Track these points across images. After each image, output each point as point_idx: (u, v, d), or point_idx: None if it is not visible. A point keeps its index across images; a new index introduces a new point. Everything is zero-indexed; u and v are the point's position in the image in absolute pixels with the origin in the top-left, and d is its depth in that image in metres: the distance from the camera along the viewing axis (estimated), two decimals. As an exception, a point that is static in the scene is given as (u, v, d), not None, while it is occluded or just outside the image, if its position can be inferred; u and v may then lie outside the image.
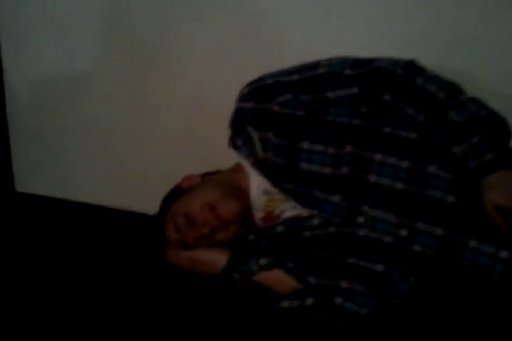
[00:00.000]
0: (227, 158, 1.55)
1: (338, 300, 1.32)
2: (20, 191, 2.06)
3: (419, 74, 1.35)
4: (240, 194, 1.48)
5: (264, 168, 1.44)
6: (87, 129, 2.00)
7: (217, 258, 1.43)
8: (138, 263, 1.55)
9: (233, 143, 1.52)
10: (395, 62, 1.38)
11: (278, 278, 1.39)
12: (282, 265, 1.39)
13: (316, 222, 1.39)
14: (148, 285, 1.48)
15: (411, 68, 1.36)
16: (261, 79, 1.45)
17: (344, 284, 1.33)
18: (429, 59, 1.39)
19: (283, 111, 1.40)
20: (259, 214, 1.50)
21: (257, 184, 1.48)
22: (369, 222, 1.33)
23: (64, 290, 1.46)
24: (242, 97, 1.46)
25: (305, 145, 1.37)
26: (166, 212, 1.51)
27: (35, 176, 2.07)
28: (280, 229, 1.43)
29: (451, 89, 1.34)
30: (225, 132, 1.53)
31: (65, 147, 2.03)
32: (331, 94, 1.38)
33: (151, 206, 1.57)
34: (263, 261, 1.39)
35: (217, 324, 1.34)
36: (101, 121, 1.97)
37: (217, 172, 1.60)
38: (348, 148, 1.34)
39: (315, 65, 1.42)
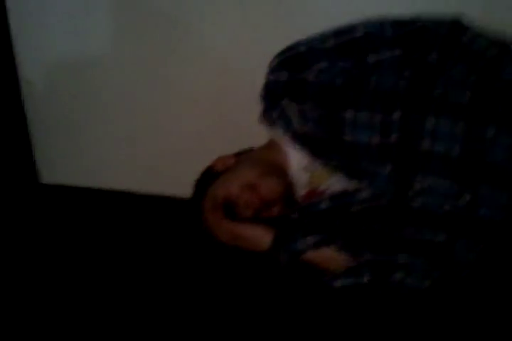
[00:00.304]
0: (257, 135, 1.47)
1: (397, 275, 1.23)
2: (44, 182, 1.99)
3: (464, 32, 1.26)
4: (280, 171, 1.40)
5: (303, 142, 1.36)
6: (108, 113, 1.92)
7: (261, 235, 1.34)
8: (174, 250, 1.50)
9: (266, 119, 1.43)
10: (439, 21, 1.28)
11: (328, 256, 1.30)
12: (332, 242, 1.31)
13: (365, 195, 1.31)
14: (187, 272, 1.43)
15: (456, 27, 1.27)
16: (292, 47, 1.35)
17: (402, 259, 1.24)
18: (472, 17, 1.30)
19: (320, 80, 1.30)
20: (301, 192, 1.42)
21: (296, 160, 1.40)
22: (424, 191, 1.24)
23: (93, 280, 1.41)
24: (274, 69, 1.36)
25: (348, 114, 1.27)
26: (202, 195, 1.42)
27: (59, 166, 2.00)
28: (326, 205, 1.36)
29: (500, 46, 1.25)
30: (254, 108, 1.44)
31: (87, 133, 1.95)
32: (371, 58, 1.28)
33: (180, 189, 1.50)
34: (311, 239, 1.31)
35: (269, 307, 1.30)
36: (122, 104, 1.89)
37: (251, 150, 1.52)
38: (397, 115, 1.24)
39: (351, 29, 1.31)
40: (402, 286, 1.24)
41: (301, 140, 1.36)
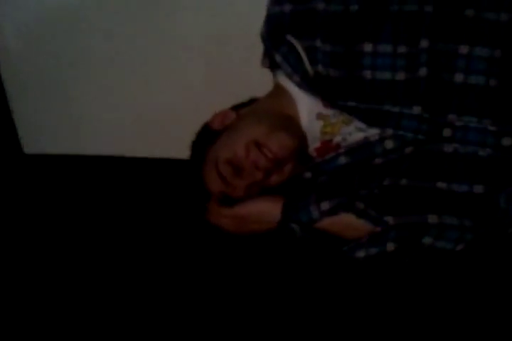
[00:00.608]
0: (259, 84, 1.30)
1: (427, 239, 1.08)
2: (29, 152, 1.80)
3: None
4: (291, 123, 1.21)
5: (315, 85, 1.17)
6: (91, 74, 1.72)
7: (269, 209, 1.17)
8: (176, 219, 1.31)
9: (269, 61, 1.25)
10: None
11: (347, 223, 1.14)
12: (350, 207, 1.13)
13: (390, 144, 1.14)
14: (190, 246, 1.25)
15: None
16: None
17: (432, 219, 1.09)
18: None
19: (331, 9, 1.12)
20: (314, 145, 1.23)
21: (307, 107, 1.22)
22: (458, 134, 1.09)
23: (85, 251, 1.27)
24: (276, 0, 1.18)
25: (367, 47, 1.10)
26: (202, 158, 1.24)
27: (43, 134, 1.81)
28: (343, 159, 1.18)
29: None
30: (253, 52, 1.28)
31: (71, 96, 1.75)
32: None
33: (176, 152, 1.36)
34: (325, 205, 1.14)
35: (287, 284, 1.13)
36: (106, 62, 1.69)
37: (252, 101, 1.31)
38: (424, 43, 1.08)
39: None
40: (433, 250, 1.09)
41: (312, 82, 1.17)
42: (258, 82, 1.31)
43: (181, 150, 1.31)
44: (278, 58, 1.20)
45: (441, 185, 1.12)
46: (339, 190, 1.16)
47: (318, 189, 1.18)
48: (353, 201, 1.13)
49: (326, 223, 1.15)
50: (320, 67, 1.15)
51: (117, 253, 1.25)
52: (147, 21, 1.61)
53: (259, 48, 1.28)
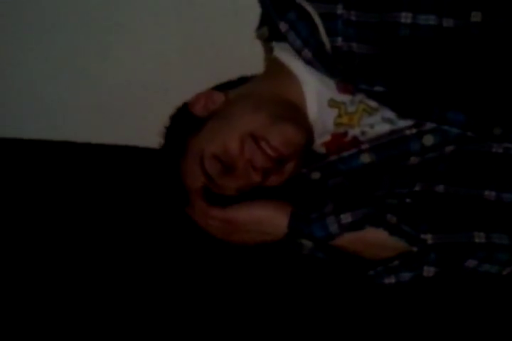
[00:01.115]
0: (249, 59, 1.12)
1: (471, 262, 0.92)
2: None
3: None
4: (296, 112, 1.00)
5: (331, 63, 0.96)
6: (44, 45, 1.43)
7: (271, 218, 0.97)
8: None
9: (269, 31, 1.03)
10: None
11: (374, 241, 0.95)
12: (380, 220, 0.94)
13: (429, 140, 0.95)
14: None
15: None
16: None
17: (479, 238, 0.93)
18: None
19: None
20: (322, 139, 1.02)
21: (316, 92, 1.00)
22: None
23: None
24: None
25: (405, 18, 0.91)
26: (181, 150, 1.00)
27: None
28: (367, 158, 0.98)
29: None
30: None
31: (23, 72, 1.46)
32: None
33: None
34: (347, 217, 0.94)
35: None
36: (61, 26, 1.40)
37: (244, 80, 1.08)
38: (477, 17, 0.90)
39: None
40: (475, 275, 0.94)
41: (328, 60, 0.96)
42: (249, 56, 1.12)
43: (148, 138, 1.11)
44: (283, 27, 0.99)
45: (488, 194, 0.95)
46: (363, 197, 0.97)
47: (336, 195, 0.98)
48: (382, 213, 0.94)
49: (347, 240, 0.95)
50: (340, 41, 0.96)
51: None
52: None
53: (250, 11, 1.06)
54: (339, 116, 0.99)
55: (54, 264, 1.12)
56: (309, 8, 0.96)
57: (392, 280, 0.94)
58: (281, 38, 1.00)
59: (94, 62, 1.43)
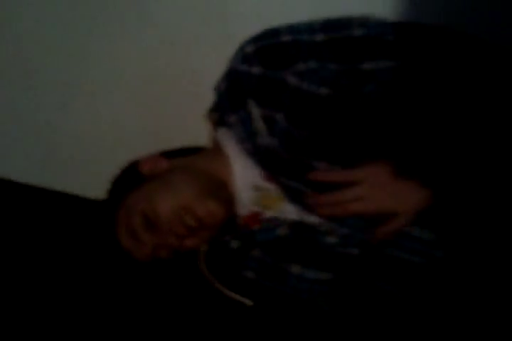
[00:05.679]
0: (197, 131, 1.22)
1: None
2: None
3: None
4: (223, 190, 1.12)
5: (262, 158, 1.09)
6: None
7: None
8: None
9: (219, 119, 1.14)
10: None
11: None
12: None
13: (332, 240, 1.06)
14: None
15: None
16: (273, 33, 1.06)
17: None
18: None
19: (302, 87, 1.02)
20: (243, 212, 1.15)
21: (243, 176, 1.13)
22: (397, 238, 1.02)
23: None
24: (246, 57, 1.06)
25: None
26: (119, 204, 1.12)
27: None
28: (282, 231, 1.09)
29: None
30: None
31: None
32: (367, 66, 1.02)
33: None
34: None
35: None
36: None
37: (187, 151, 1.21)
38: None
39: (346, 24, 1.05)
40: None
41: (260, 155, 1.09)
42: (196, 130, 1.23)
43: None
44: (233, 119, 1.10)
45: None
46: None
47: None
48: None
49: None
50: (274, 142, 1.05)
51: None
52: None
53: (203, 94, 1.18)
54: (259, 198, 1.12)
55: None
56: (255, 111, 1.05)
57: None
58: (226, 124, 1.11)
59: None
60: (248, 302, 1.08)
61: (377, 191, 1.00)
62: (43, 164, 1.57)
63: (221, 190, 1.11)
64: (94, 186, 1.19)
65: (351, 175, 1.02)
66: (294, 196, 1.08)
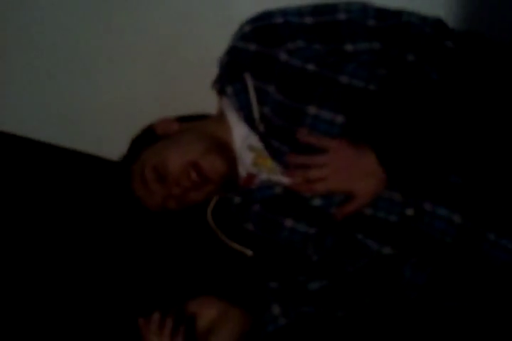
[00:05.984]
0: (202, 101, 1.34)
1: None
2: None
3: (448, 36, 1.18)
4: (225, 149, 1.28)
5: (255, 125, 1.24)
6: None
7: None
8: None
9: (220, 88, 1.29)
10: (423, 19, 1.20)
11: None
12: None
13: (317, 202, 1.20)
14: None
15: (440, 28, 1.19)
16: (268, 15, 1.22)
17: None
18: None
19: (291, 62, 1.18)
20: (243, 172, 1.30)
21: (241, 137, 1.29)
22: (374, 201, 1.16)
23: None
24: (244, 36, 1.22)
25: (311, 110, 1.17)
26: (135, 158, 1.30)
27: None
28: (278, 189, 1.24)
29: None
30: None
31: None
32: (349, 47, 1.18)
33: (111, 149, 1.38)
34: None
35: None
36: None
37: (197, 117, 1.37)
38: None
39: (332, 9, 1.20)
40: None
41: (253, 122, 1.23)
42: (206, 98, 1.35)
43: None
44: (229, 91, 1.24)
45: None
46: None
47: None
48: None
49: None
50: (266, 110, 1.20)
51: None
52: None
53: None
54: (256, 157, 1.27)
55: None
56: (250, 84, 1.19)
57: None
58: (225, 94, 1.25)
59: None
60: (248, 252, 1.25)
61: (339, 174, 1.14)
62: (64, 125, 1.72)
63: (224, 150, 1.27)
64: (109, 147, 1.37)
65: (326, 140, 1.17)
66: (277, 155, 1.23)
